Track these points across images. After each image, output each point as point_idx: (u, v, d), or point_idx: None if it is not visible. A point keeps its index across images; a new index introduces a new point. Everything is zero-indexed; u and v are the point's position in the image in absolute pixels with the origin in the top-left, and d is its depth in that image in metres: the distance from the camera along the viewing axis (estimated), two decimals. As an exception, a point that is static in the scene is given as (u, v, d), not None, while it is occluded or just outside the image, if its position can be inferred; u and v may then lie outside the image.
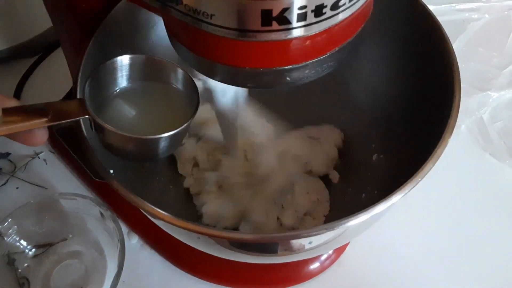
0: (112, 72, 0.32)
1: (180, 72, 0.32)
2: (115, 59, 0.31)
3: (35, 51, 0.63)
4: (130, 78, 0.33)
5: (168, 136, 0.29)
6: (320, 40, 0.24)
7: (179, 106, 0.33)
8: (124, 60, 0.31)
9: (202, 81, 0.36)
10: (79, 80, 0.35)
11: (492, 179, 0.52)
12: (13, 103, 0.26)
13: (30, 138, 0.26)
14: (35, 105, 0.27)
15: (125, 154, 0.32)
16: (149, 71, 0.33)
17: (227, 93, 0.37)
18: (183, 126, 0.30)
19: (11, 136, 0.26)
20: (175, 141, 0.31)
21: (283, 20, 0.22)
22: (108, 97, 0.32)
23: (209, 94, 0.37)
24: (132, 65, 0.32)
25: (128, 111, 0.32)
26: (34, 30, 0.62)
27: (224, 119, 0.40)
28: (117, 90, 0.33)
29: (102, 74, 0.31)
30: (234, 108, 0.38)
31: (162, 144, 0.30)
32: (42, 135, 0.27)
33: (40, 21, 0.61)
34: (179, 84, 0.33)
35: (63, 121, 0.27)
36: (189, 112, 0.31)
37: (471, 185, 0.52)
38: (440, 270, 0.46)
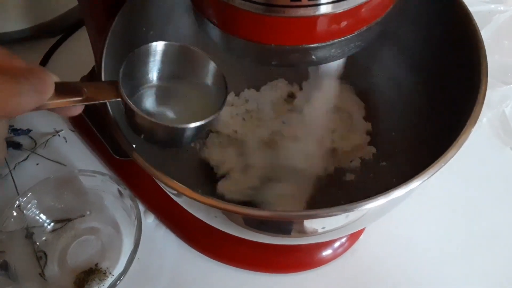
0: (146, 57, 0.32)
1: (212, 65, 0.33)
2: (150, 44, 0.32)
3: (58, 31, 0.64)
4: (163, 65, 0.33)
5: (194, 127, 0.31)
6: (348, 18, 0.24)
7: (207, 100, 0.34)
8: (158, 46, 0.32)
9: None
10: (103, 58, 0.35)
11: (512, 174, 0.52)
12: (55, 78, 0.27)
13: (66, 111, 0.29)
14: (72, 83, 0.28)
15: (151, 138, 0.33)
16: (181, 60, 0.33)
17: None
18: (209, 119, 0.31)
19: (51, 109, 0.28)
20: (199, 132, 0.32)
21: (313, -5, 0.22)
22: (140, 82, 0.33)
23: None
24: (165, 52, 0.33)
25: (157, 105, 0.34)
26: (57, 10, 0.62)
27: None
28: (149, 79, 0.34)
29: (136, 58, 0.32)
30: None
31: (187, 134, 0.32)
32: (76, 109, 0.29)
33: (64, 0, 0.61)
34: (209, 76, 0.34)
35: (96, 102, 0.29)
36: (215, 106, 0.32)
37: (491, 179, 0.51)
38: (455, 264, 0.46)
